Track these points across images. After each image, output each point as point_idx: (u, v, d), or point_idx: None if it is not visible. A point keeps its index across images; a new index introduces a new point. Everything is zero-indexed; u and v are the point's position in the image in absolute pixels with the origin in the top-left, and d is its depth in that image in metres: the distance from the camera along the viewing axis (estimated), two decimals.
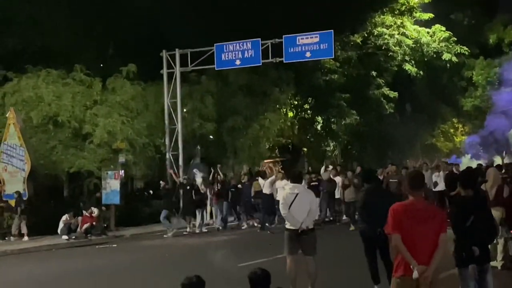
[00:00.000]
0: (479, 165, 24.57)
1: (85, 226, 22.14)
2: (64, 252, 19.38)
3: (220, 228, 23.30)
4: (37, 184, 23.36)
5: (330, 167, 25.45)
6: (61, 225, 21.95)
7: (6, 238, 21.89)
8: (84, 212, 22.99)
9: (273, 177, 23.01)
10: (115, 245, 20.28)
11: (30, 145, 23.30)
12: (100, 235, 22.13)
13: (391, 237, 6.66)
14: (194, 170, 25.88)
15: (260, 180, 23.34)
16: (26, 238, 21.15)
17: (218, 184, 23.79)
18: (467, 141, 45.63)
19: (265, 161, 33.60)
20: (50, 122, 24.76)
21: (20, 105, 24.22)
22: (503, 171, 16.25)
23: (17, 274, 15.38)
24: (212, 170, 25.12)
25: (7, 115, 23.12)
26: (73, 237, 21.78)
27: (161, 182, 23.90)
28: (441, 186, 21.95)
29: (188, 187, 22.95)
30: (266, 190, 22.40)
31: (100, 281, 13.80)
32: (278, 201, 21.87)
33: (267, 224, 22.18)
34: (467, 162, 37.60)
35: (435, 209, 7.32)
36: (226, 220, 23.71)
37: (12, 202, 22.52)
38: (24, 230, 21.33)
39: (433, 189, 22.88)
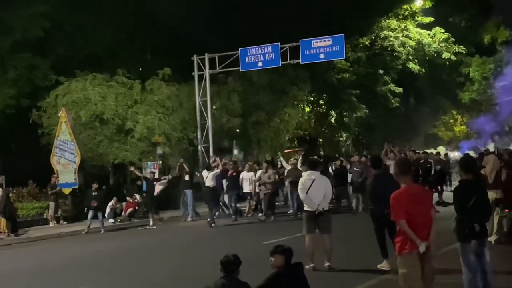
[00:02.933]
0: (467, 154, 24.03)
1: (129, 210, 22.35)
2: (111, 233, 19.47)
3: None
4: (86, 174, 23.57)
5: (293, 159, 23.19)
6: (107, 209, 22.12)
7: (61, 222, 22.17)
8: (127, 198, 23.20)
9: (218, 170, 20.06)
10: (155, 227, 20.37)
11: (80, 140, 23.45)
12: (142, 218, 22.27)
13: (397, 222, 6.71)
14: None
15: (204, 172, 20.01)
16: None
17: (186, 175, 21.68)
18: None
19: (285, 151, 33.58)
20: (96, 119, 24.93)
21: (70, 105, 24.36)
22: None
23: (73, 253, 15.52)
24: (178, 164, 23.46)
25: (59, 114, 23.22)
26: (118, 220, 22.01)
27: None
28: None
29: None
30: (208, 183, 19.40)
31: (143, 257, 13.88)
32: (219, 193, 20.80)
33: (218, 213, 20.40)
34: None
35: (426, 190, 7.68)
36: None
37: (66, 190, 22.80)
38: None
39: None
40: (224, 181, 21.47)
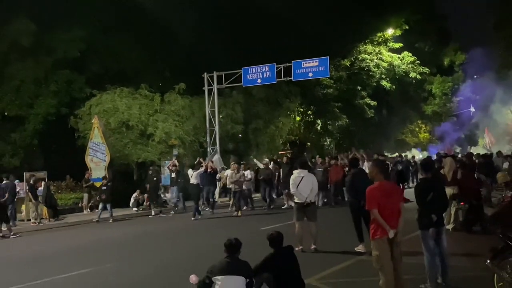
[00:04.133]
0: (438, 154, 23.90)
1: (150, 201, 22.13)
2: (134, 220, 19.44)
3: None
4: (114, 171, 23.56)
5: (266, 160, 22.66)
6: (132, 200, 22.09)
7: (96, 210, 22.12)
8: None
9: (201, 169, 19.01)
10: (172, 214, 20.29)
11: (109, 142, 23.39)
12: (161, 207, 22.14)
13: (370, 211, 6.75)
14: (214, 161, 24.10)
15: (190, 171, 19.12)
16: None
17: (173, 174, 20.65)
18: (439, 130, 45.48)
19: (280, 152, 33.54)
20: (123, 126, 24.91)
21: (102, 113, 24.32)
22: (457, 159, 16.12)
23: (104, 235, 15.55)
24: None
25: (92, 121, 23.21)
26: (141, 209, 21.94)
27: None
28: None
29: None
30: (193, 181, 18.51)
31: (163, 240, 13.92)
32: (201, 188, 18.80)
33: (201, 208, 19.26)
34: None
35: (396, 186, 7.79)
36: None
37: (97, 184, 22.76)
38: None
39: None
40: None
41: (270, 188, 20.00)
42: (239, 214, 17.99)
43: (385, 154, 28.31)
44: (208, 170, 19.34)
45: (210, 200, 19.63)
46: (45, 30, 25.64)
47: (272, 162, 22.27)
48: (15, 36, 25.02)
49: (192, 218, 17.57)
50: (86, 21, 26.68)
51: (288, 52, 28.50)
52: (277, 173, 21.40)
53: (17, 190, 18.83)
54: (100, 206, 19.02)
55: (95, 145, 22.99)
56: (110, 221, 18.65)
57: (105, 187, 19.10)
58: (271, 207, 19.45)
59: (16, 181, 19.35)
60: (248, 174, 19.74)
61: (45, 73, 26.44)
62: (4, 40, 25.18)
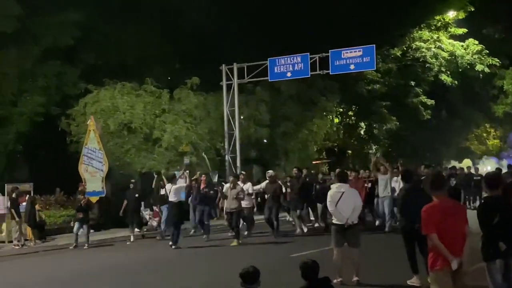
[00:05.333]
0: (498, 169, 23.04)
1: (155, 220, 22.05)
2: (137, 243, 19.17)
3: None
4: (113, 182, 23.72)
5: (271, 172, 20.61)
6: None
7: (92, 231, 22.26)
8: (154, 207, 23.10)
9: (183, 184, 18.33)
10: (158, 238, 19.70)
11: (108, 148, 23.58)
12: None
13: (428, 236, 6.63)
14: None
15: (168, 185, 17.82)
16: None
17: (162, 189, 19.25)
18: None
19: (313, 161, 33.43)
20: (124, 128, 25.12)
21: (99, 113, 24.54)
22: None
23: (105, 262, 15.55)
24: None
25: (87, 123, 23.38)
26: (145, 230, 21.73)
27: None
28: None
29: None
30: (172, 198, 17.26)
31: (173, 268, 13.93)
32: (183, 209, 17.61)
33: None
34: None
35: (458, 204, 7.53)
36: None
37: (93, 199, 22.91)
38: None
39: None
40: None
41: (277, 207, 18.70)
42: (239, 242, 17.01)
43: (432, 165, 27.11)
44: (202, 187, 18.74)
45: (205, 223, 18.63)
46: (32, 13, 26.05)
47: (302, 173, 20.44)
48: None
49: (173, 246, 16.61)
50: (81, 3, 26.98)
51: (324, 39, 28.46)
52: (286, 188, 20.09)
53: None
54: (78, 227, 18.42)
55: (91, 151, 23.15)
56: (85, 247, 18.12)
57: (82, 204, 18.76)
58: (275, 237, 18.17)
59: None
60: (250, 188, 18.67)
61: (31, 64, 26.82)
62: None
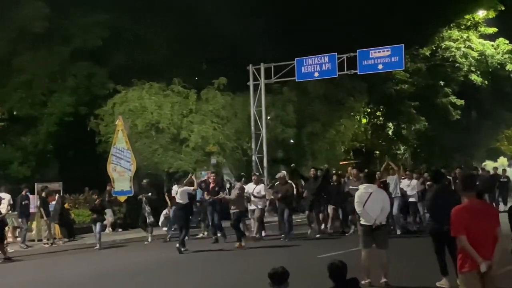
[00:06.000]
0: None
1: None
2: (163, 243, 19.21)
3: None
4: (141, 182, 23.85)
5: (283, 172, 19.98)
6: (161, 218, 22.20)
7: (119, 230, 22.51)
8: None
9: (189, 187, 17.47)
10: (206, 233, 19.99)
11: (135, 148, 23.66)
12: (195, 227, 22.23)
13: (457, 238, 6.56)
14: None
15: (174, 187, 17.39)
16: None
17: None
18: None
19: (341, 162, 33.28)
20: (152, 128, 25.32)
21: (127, 113, 24.78)
22: None
23: (131, 262, 15.72)
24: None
25: (116, 123, 23.53)
26: (172, 229, 21.79)
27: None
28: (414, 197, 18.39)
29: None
30: (180, 200, 16.82)
31: (200, 267, 13.99)
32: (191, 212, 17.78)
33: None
34: None
35: (490, 206, 7.52)
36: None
37: (121, 198, 23.15)
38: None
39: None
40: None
41: (290, 209, 18.26)
42: (242, 244, 16.65)
43: (461, 166, 26.74)
44: (211, 186, 18.10)
45: (216, 223, 18.24)
46: (61, 14, 26.37)
47: (334, 175, 20.27)
48: (26, 22, 25.64)
49: (182, 249, 16.14)
50: (110, 4, 27.19)
51: (352, 39, 28.31)
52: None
53: (24, 203, 19.14)
54: (97, 227, 18.28)
55: (119, 151, 23.27)
56: (96, 247, 18.08)
57: (96, 204, 18.84)
58: (286, 240, 17.77)
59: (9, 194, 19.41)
60: (262, 189, 18.21)
61: (61, 65, 27.12)
62: (13, 26, 25.63)
